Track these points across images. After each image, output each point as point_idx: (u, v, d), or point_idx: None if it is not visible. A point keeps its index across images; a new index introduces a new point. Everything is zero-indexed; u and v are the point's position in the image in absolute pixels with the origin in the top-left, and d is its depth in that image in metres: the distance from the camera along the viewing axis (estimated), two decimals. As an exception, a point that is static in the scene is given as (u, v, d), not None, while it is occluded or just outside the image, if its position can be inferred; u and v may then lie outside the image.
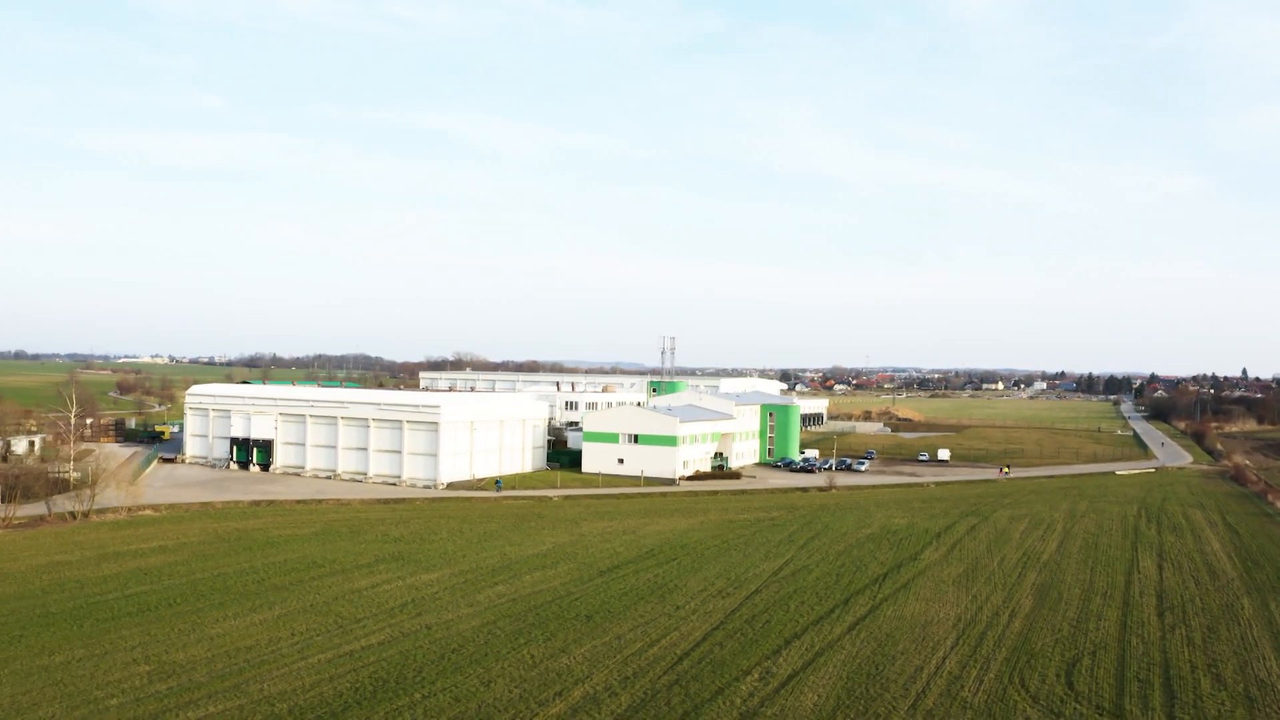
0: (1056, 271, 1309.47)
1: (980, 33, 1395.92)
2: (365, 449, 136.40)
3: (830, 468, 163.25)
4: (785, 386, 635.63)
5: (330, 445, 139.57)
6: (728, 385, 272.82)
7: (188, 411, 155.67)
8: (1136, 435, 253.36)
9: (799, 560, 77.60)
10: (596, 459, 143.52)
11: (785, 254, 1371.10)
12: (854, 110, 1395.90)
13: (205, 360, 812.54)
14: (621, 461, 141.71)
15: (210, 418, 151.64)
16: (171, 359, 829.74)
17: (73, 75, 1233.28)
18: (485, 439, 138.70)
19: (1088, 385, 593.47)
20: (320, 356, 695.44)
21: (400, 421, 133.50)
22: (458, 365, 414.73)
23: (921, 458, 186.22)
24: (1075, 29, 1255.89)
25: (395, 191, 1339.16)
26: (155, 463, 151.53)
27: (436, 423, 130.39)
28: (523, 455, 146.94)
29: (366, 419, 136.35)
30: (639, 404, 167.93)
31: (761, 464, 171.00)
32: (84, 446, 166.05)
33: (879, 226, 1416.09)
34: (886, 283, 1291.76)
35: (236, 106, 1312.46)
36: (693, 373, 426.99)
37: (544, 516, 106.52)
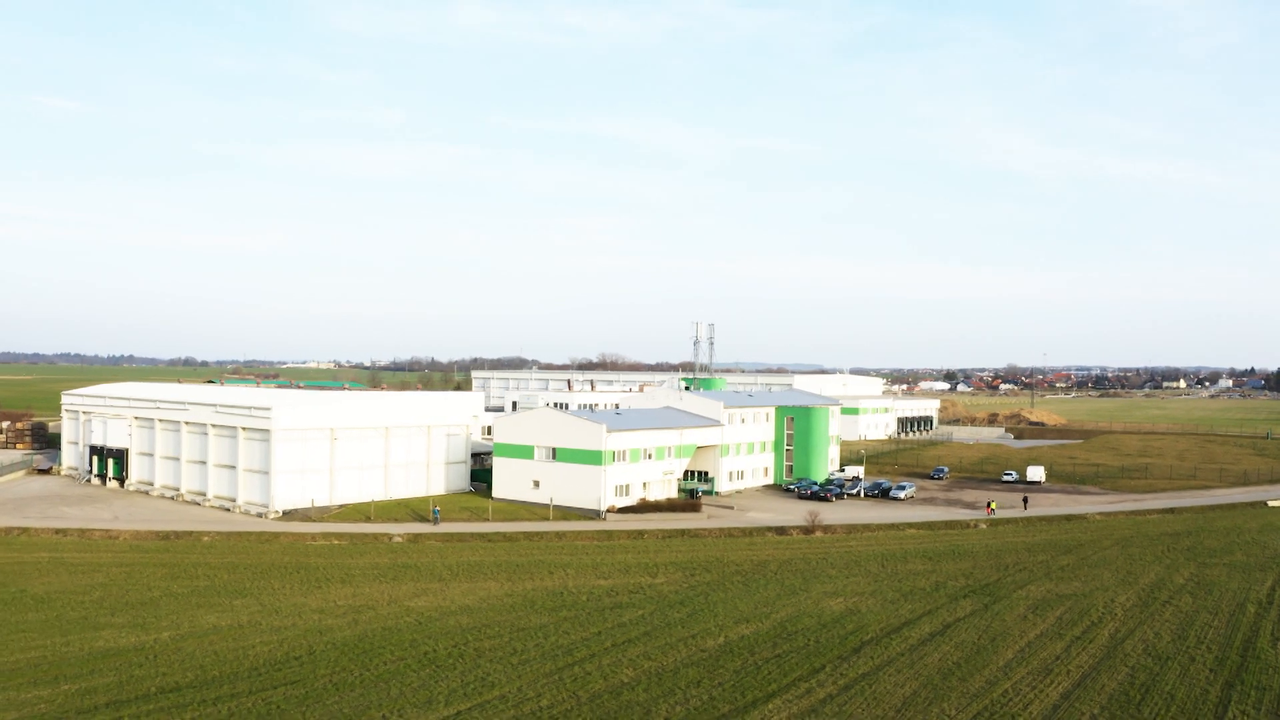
0: (1248, 264, 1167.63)
1: (1157, 19, 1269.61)
2: (205, 462, 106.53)
3: (859, 493, 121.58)
4: (946, 386, 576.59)
5: (176, 457, 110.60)
6: (803, 383, 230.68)
7: (63, 415, 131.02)
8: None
9: (490, 710, 39.97)
10: (509, 481, 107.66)
11: (964, 251, 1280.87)
12: (1032, 102, 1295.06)
13: (367, 365, 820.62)
14: (537, 485, 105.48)
15: (80, 422, 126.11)
16: (337, 364, 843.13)
17: (256, 93, 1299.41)
18: (359, 453, 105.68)
19: (1277, 383, 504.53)
20: (476, 360, 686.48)
21: (236, 429, 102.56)
22: (604, 366, 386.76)
23: (1006, 477, 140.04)
24: (1257, 10, 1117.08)
25: (569, 197, 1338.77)
26: (24, 473, 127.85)
27: (268, 430, 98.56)
28: (428, 474, 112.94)
29: (205, 425, 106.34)
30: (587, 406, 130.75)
31: (775, 486, 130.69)
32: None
33: (1061, 221, 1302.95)
34: (1069, 279, 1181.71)
35: (416, 119, 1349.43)
36: (777, 370, 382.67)
37: (306, 569, 72.32)
